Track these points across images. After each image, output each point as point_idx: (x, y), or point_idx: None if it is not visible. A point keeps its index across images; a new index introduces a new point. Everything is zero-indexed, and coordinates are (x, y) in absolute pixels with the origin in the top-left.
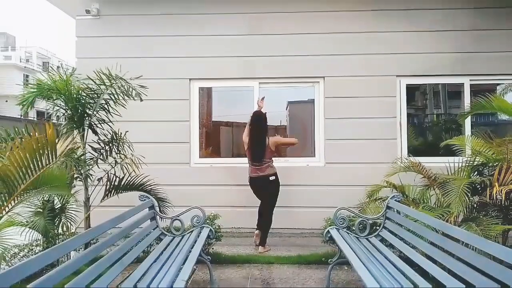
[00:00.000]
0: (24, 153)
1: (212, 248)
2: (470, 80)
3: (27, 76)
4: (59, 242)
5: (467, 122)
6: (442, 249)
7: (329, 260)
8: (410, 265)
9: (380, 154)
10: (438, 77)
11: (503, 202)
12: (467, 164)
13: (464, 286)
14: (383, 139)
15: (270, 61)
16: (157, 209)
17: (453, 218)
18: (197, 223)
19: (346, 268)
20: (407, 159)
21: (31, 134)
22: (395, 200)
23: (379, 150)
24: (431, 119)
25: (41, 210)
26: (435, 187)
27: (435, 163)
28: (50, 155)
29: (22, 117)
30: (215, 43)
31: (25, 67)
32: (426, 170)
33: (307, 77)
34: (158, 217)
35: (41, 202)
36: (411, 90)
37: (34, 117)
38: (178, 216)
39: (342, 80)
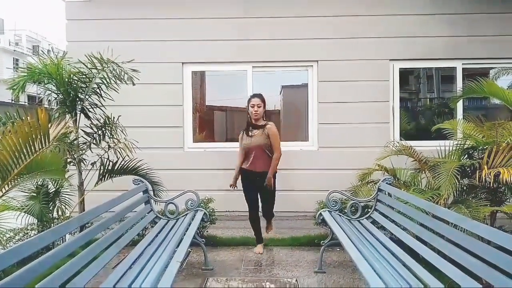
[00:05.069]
0: (17, 137)
1: (207, 231)
2: (462, 64)
3: (17, 60)
4: (54, 226)
5: (459, 106)
6: (432, 230)
7: (321, 242)
8: (401, 246)
9: (372, 138)
10: (431, 61)
11: (491, 185)
12: (457, 148)
13: (453, 266)
14: (376, 123)
15: (264, 45)
16: (151, 193)
17: (443, 200)
18: (191, 206)
19: (338, 249)
20: (399, 143)
21: (23, 118)
22: (387, 183)
23: (372, 134)
24: (424, 103)
25: (35, 195)
26: (426, 170)
27: (426, 147)
28: (43, 139)
29: (13, 101)
30: (208, 26)
31: (14, 50)
32: (418, 154)
33: (301, 61)
34: (152, 200)
35: (35, 186)
36: (404, 74)
37: (25, 102)
38: (173, 200)
39: (335, 64)
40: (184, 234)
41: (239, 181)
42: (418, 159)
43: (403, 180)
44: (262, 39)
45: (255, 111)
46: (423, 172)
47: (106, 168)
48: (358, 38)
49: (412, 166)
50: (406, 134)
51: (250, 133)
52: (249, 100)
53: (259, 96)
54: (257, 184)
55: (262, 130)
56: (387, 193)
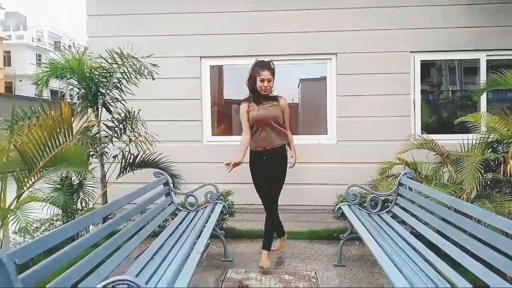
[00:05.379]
0: (42, 131)
1: (226, 223)
2: (486, 55)
3: (39, 55)
4: (78, 217)
5: (483, 98)
6: (454, 225)
7: (340, 236)
8: (422, 241)
9: (393, 131)
10: (454, 52)
11: None
12: (481, 141)
13: (476, 261)
14: (396, 116)
15: (282, 38)
16: (172, 185)
17: (466, 195)
18: (211, 199)
19: (358, 243)
20: (420, 136)
21: (48, 112)
22: (407, 177)
23: (392, 128)
24: (446, 96)
25: (60, 187)
26: (448, 164)
27: (448, 140)
28: (66, 133)
29: (37, 96)
30: (225, 20)
31: (37, 46)
32: (439, 147)
33: (319, 53)
34: (172, 193)
35: (59, 178)
36: (426, 66)
37: (48, 96)
38: (192, 192)
39: (354, 57)
40: (204, 226)
41: (242, 168)
42: (440, 153)
43: (425, 174)
44: (280, 32)
45: (265, 86)
46: (445, 166)
47: (127, 161)
48: (378, 30)
49: (434, 160)
50: (427, 128)
51: (260, 104)
52: (257, 71)
53: (269, 67)
54: (271, 165)
55: (277, 102)
56: (408, 187)
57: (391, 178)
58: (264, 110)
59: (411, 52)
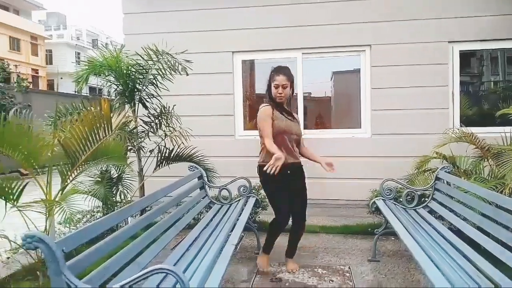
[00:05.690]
0: (83, 126)
1: (258, 217)
2: None
3: (78, 53)
4: (117, 209)
5: None
6: (495, 221)
7: (375, 231)
8: (460, 236)
9: (430, 124)
10: (495, 42)
11: None
12: None
13: None
14: (434, 109)
15: (313, 31)
16: (206, 179)
17: (508, 190)
18: (244, 192)
19: (393, 239)
20: (459, 129)
21: (88, 108)
22: (445, 171)
23: (429, 121)
24: (487, 87)
25: (100, 180)
26: (488, 158)
27: (489, 133)
28: (106, 128)
29: (76, 93)
30: (257, 14)
31: (76, 45)
32: (480, 141)
33: (353, 45)
34: (206, 186)
35: (99, 172)
36: (466, 57)
37: (87, 93)
38: (226, 186)
39: (389, 48)
40: (238, 219)
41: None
42: (480, 146)
43: (464, 168)
44: (312, 24)
45: (279, 93)
46: (486, 160)
47: (163, 155)
48: (414, 20)
49: (474, 154)
50: (466, 120)
51: (284, 116)
52: (271, 77)
53: (286, 72)
54: (297, 179)
55: (297, 118)
56: (445, 181)
57: (428, 172)
58: (292, 124)
59: (449, 42)
